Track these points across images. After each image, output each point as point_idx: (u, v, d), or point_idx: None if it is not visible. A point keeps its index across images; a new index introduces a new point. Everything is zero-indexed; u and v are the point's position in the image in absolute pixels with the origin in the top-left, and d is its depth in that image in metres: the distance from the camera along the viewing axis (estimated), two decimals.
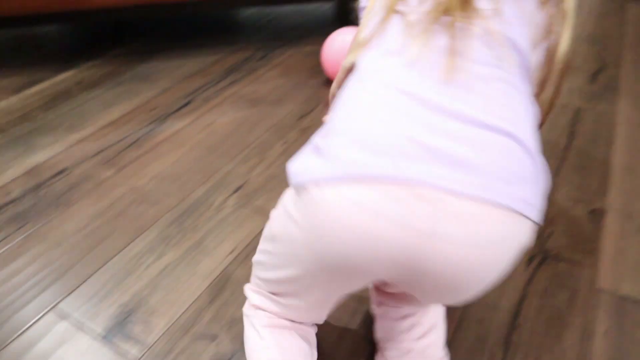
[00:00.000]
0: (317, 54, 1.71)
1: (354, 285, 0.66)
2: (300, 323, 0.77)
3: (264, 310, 0.77)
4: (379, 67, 0.62)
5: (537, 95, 0.75)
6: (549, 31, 0.69)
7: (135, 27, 2.04)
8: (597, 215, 1.14)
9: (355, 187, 0.53)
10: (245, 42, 1.91)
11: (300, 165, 0.60)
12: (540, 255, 1.04)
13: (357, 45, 0.67)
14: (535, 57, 0.68)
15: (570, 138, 1.39)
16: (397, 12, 0.65)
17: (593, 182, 1.24)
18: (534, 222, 0.56)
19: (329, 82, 1.58)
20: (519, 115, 0.60)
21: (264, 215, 1.13)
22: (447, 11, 0.62)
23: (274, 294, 0.75)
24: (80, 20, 1.65)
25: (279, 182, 1.22)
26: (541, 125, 0.86)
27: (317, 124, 1.38)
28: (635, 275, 1.00)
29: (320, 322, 0.79)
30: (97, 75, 1.69)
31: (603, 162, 1.31)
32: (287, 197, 0.65)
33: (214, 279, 0.99)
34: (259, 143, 1.36)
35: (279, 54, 1.84)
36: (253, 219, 1.12)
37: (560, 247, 1.06)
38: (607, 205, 1.17)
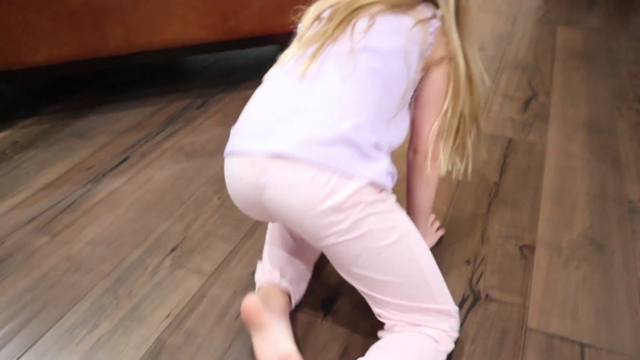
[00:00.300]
0: None
1: (266, 217, 0.93)
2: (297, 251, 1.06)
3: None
4: (269, 76, 0.94)
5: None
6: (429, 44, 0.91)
7: (72, 82, 2.02)
8: (527, 250, 1.17)
9: (229, 159, 0.89)
10: (184, 90, 1.92)
11: None
12: (472, 297, 1.06)
13: None
14: (414, 65, 0.90)
15: (502, 172, 1.43)
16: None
17: (524, 216, 1.27)
18: (339, 171, 0.78)
19: None
20: (355, 103, 0.83)
21: (201, 274, 1.13)
22: (325, 32, 0.88)
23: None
24: (12, 79, 1.63)
25: (215, 239, 1.22)
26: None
27: None
28: (563, 311, 1.03)
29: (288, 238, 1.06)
30: (32, 134, 1.67)
31: (534, 194, 1.34)
32: None
33: (149, 348, 0.98)
34: (195, 198, 1.36)
35: (218, 100, 1.85)
36: (189, 280, 1.12)
37: (491, 287, 1.08)
38: (537, 238, 1.20)
